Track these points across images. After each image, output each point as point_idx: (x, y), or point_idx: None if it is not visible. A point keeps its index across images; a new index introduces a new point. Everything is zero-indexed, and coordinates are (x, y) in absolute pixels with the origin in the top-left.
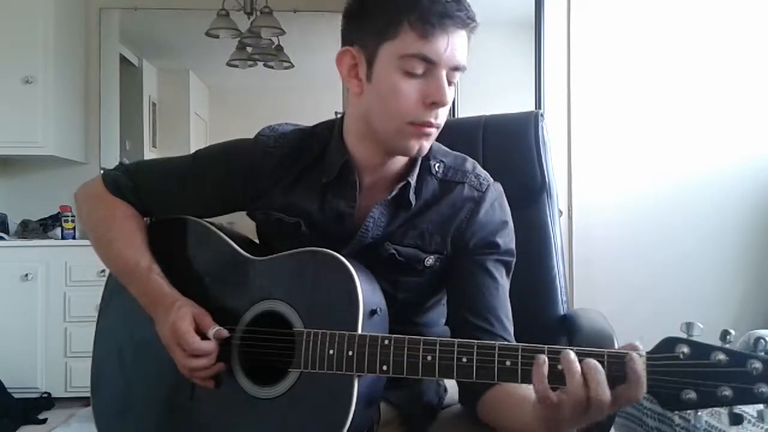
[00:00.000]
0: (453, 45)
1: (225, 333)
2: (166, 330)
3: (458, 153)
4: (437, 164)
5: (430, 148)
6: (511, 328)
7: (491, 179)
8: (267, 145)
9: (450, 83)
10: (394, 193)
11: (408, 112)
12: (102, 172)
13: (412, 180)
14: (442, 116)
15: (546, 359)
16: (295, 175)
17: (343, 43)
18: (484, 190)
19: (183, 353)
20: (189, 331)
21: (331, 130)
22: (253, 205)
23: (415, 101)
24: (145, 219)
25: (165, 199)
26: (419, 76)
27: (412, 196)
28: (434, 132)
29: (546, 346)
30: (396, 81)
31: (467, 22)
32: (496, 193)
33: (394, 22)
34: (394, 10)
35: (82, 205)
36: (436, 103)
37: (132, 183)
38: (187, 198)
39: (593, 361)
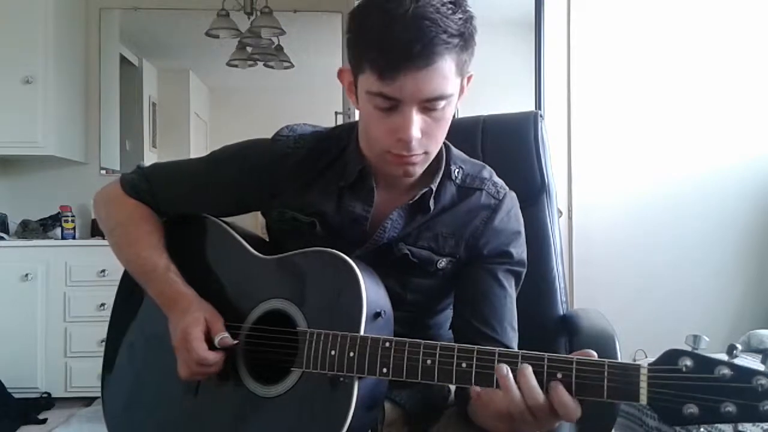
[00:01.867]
0: (416, 83)
1: (230, 342)
2: (178, 332)
3: (475, 160)
4: (456, 170)
5: (450, 154)
6: (515, 338)
7: (507, 188)
8: (286, 146)
9: (432, 110)
10: (416, 198)
11: (382, 143)
12: (120, 175)
13: (434, 186)
14: (421, 146)
15: (509, 370)
16: (313, 176)
17: None
18: (501, 198)
19: (189, 357)
20: (198, 338)
21: (350, 133)
22: (267, 205)
23: (386, 134)
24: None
25: (181, 200)
26: (388, 110)
27: (431, 202)
28: (418, 159)
29: (546, 354)
30: (369, 112)
31: (432, 56)
32: (511, 202)
33: (360, 59)
34: (359, 47)
35: (101, 209)
36: (402, 140)
37: (149, 186)
38: (203, 199)
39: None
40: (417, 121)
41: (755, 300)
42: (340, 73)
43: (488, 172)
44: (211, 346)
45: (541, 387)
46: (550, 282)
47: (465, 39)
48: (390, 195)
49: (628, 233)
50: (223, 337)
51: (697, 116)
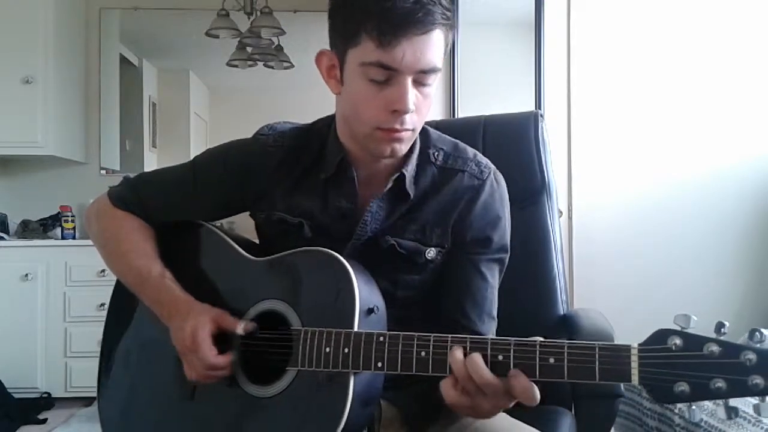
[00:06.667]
0: (415, 50)
1: (252, 326)
2: (185, 336)
3: (458, 141)
4: (436, 152)
5: (429, 137)
6: (494, 326)
7: (493, 167)
8: (266, 144)
9: (423, 85)
10: (389, 186)
11: (374, 119)
12: (108, 188)
13: (407, 171)
14: (411, 121)
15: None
16: (297, 175)
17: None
18: (484, 178)
19: (198, 363)
20: (206, 344)
21: (329, 126)
22: (255, 205)
23: (379, 108)
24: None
25: (170, 207)
26: (383, 83)
27: (410, 187)
28: (407, 135)
29: (539, 339)
30: (360, 87)
31: (431, 25)
32: (496, 182)
33: (355, 30)
34: (354, 18)
35: (92, 223)
36: (398, 111)
37: (137, 197)
38: (190, 205)
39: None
40: (411, 93)
41: (755, 300)
42: (319, 58)
43: (472, 151)
44: (220, 351)
45: (506, 370)
46: (550, 282)
47: (453, 16)
48: (371, 187)
49: (628, 233)
50: (245, 324)
51: (697, 116)
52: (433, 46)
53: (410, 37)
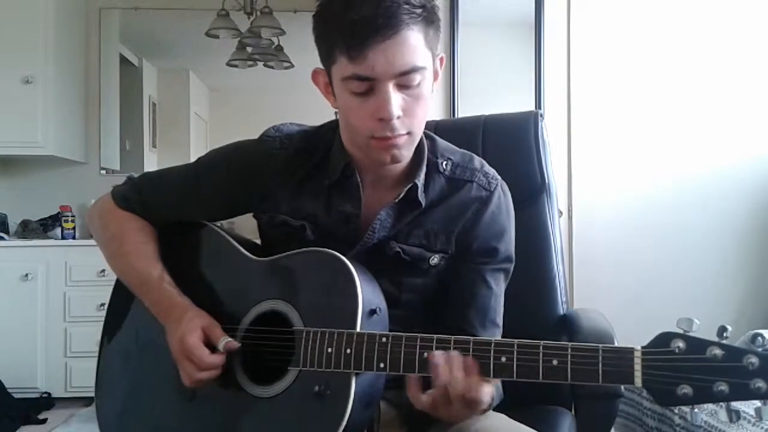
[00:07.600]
0: (386, 56)
1: (235, 345)
2: (175, 342)
3: (465, 150)
4: (445, 162)
5: (436, 146)
6: (497, 333)
7: (499, 178)
8: (272, 146)
9: (408, 87)
10: (402, 195)
11: (365, 129)
12: (112, 188)
13: (419, 181)
14: (403, 126)
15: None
16: (301, 178)
17: None
18: (492, 189)
19: (191, 365)
20: (198, 346)
21: (335, 131)
22: (258, 206)
23: (366, 118)
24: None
25: (172, 209)
26: (365, 93)
27: (421, 196)
28: (402, 140)
29: (542, 342)
30: (347, 101)
31: (396, 27)
32: (503, 193)
33: (329, 48)
34: (326, 37)
35: (95, 222)
36: (384, 119)
37: (140, 197)
38: (193, 206)
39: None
40: (396, 98)
41: (755, 300)
42: (315, 76)
43: (479, 162)
44: (212, 351)
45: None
46: (550, 282)
47: (428, 11)
48: (377, 192)
49: (628, 233)
50: (227, 341)
51: (697, 116)
52: (405, 47)
53: (377, 44)
